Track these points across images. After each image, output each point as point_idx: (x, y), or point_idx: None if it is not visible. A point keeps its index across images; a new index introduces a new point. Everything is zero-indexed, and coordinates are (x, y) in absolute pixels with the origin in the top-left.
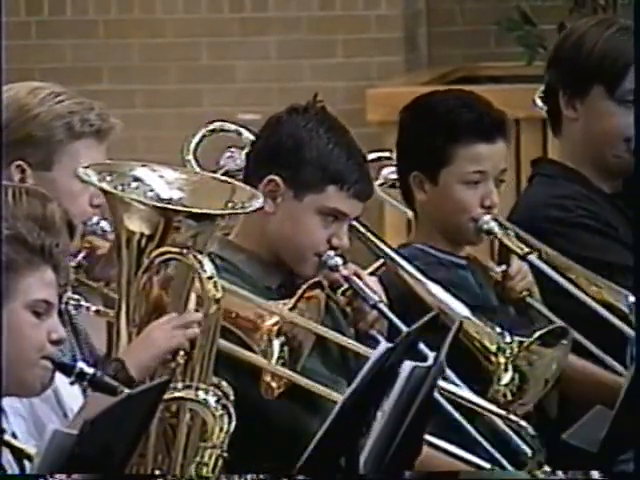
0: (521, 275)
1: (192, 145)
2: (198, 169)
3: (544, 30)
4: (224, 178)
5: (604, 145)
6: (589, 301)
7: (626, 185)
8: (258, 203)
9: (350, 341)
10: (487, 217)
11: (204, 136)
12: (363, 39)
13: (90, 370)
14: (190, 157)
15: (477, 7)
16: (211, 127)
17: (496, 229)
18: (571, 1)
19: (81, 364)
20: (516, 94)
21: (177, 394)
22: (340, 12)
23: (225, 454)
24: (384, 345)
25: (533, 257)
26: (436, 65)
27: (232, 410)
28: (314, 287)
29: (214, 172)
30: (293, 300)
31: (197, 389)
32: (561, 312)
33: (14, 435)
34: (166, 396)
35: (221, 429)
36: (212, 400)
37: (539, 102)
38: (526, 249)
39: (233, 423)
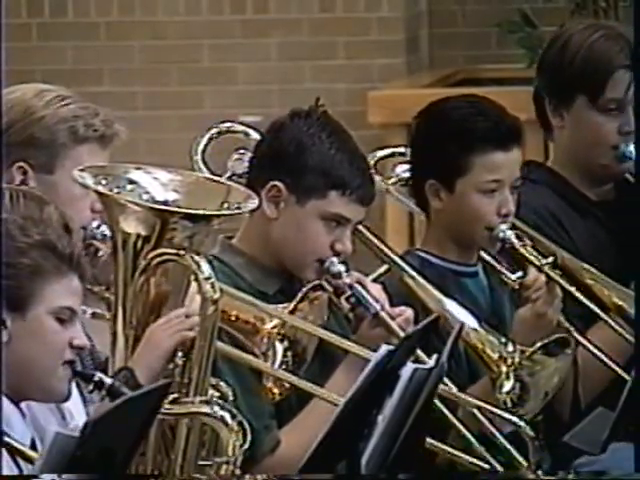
0: (537, 285)
1: (200, 146)
2: (206, 170)
3: (545, 32)
4: (219, 179)
5: (591, 154)
6: (601, 313)
7: (618, 191)
8: (253, 204)
9: (351, 344)
10: (504, 226)
11: (212, 137)
12: (364, 41)
13: (108, 380)
14: (198, 158)
15: (478, 9)
16: (219, 128)
17: (513, 238)
18: (572, 3)
19: (100, 374)
20: (517, 96)
21: (193, 409)
22: (341, 14)
23: (238, 471)
24: (385, 348)
25: (549, 268)
26: (437, 67)
27: (246, 425)
28: (316, 290)
29: (222, 174)
30: (293, 303)
31: (212, 404)
32: (576, 321)
33: (33, 440)
34: (182, 410)
35: (235, 444)
36: (228, 415)
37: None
38: (543, 260)
39: (248, 439)
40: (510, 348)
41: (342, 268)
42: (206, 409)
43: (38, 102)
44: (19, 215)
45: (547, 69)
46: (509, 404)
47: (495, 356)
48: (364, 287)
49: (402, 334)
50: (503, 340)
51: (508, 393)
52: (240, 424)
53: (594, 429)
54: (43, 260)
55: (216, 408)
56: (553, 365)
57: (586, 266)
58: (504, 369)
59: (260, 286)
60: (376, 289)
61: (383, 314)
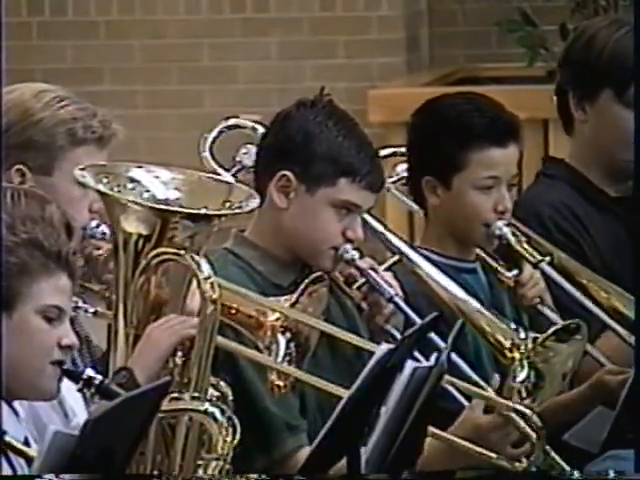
0: (533, 282)
1: (208, 141)
2: (215, 166)
3: (545, 31)
4: (221, 178)
5: (613, 148)
6: (597, 310)
7: (637, 186)
8: (255, 203)
9: (352, 336)
10: (500, 223)
11: (221, 132)
12: (364, 40)
13: (98, 377)
14: (206, 154)
15: (478, 8)
16: (228, 123)
17: (509, 235)
18: (572, 2)
19: (89, 371)
20: (517, 95)
21: (183, 405)
22: (341, 13)
23: (228, 466)
24: (385, 346)
25: (545, 265)
26: (437, 66)
27: (237, 421)
28: (316, 282)
29: (230, 168)
30: (295, 295)
31: (203, 400)
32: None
33: (26, 438)
34: (172, 407)
35: (225, 441)
36: (218, 412)
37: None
38: (539, 257)
39: (238, 435)
40: (522, 335)
41: (355, 254)
42: (195, 405)
43: (36, 104)
44: (8, 214)
45: (572, 63)
46: (524, 394)
47: (507, 343)
48: (377, 273)
49: (419, 321)
50: (514, 327)
51: (523, 382)
52: (230, 420)
53: (593, 428)
54: (30, 258)
55: (206, 404)
56: (565, 351)
57: (582, 267)
58: (517, 356)
59: (274, 278)
60: (388, 276)
61: (398, 299)
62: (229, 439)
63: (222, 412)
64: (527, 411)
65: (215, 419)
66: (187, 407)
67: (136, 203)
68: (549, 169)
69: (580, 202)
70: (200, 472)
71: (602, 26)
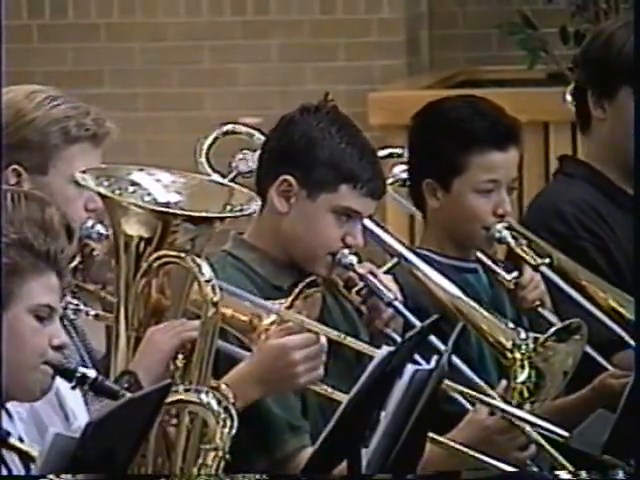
0: (533, 285)
1: (204, 147)
2: (211, 171)
3: (546, 34)
4: (222, 181)
5: (631, 145)
6: (597, 313)
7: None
8: (256, 206)
9: (350, 339)
10: (499, 226)
11: (217, 138)
12: (365, 42)
13: (92, 374)
14: (202, 159)
15: (479, 10)
16: (224, 129)
17: (508, 238)
18: (573, 5)
19: (82, 368)
20: (518, 98)
21: (179, 397)
22: (342, 15)
23: (227, 456)
24: (386, 349)
25: (545, 268)
26: (438, 69)
27: (234, 412)
28: (311, 286)
29: (226, 174)
30: (290, 299)
31: (199, 392)
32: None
33: (20, 439)
34: (169, 399)
35: (223, 431)
36: (214, 402)
37: (569, 98)
38: (539, 260)
39: (235, 425)
40: (523, 335)
41: (354, 259)
42: (192, 397)
43: (28, 104)
44: (8, 216)
45: (591, 62)
46: (525, 394)
47: (508, 344)
48: (376, 277)
49: (419, 324)
50: (514, 327)
51: (524, 383)
52: (227, 410)
53: (594, 430)
54: (20, 258)
55: (202, 395)
56: (564, 350)
57: (582, 268)
58: (518, 357)
59: (274, 280)
60: (388, 279)
61: (397, 303)
62: (226, 430)
63: (219, 402)
64: (531, 418)
65: (212, 409)
66: (183, 398)
67: (137, 206)
68: (568, 168)
69: (602, 200)
70: (199, 462)
71: (619, 26)
